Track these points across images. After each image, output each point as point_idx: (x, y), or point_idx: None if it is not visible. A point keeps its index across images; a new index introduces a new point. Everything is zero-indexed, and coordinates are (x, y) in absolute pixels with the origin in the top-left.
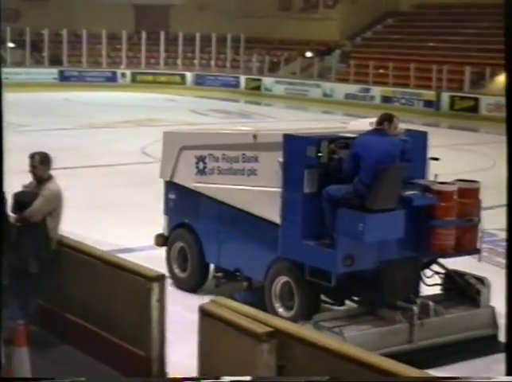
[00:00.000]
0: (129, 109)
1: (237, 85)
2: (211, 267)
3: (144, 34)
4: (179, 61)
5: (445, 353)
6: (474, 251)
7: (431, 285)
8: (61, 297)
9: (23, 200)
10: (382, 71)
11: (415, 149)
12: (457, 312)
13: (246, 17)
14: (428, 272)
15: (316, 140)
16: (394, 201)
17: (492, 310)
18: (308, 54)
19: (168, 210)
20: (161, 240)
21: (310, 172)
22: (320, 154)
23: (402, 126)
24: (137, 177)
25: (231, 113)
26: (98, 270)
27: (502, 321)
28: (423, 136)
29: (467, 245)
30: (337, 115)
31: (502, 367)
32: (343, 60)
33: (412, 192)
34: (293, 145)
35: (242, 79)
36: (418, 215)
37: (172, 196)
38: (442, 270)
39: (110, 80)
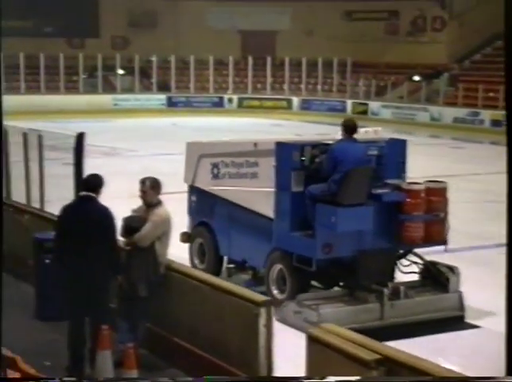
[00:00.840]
0: (236, 134)
1: (343, 109)
2: (225, 259)
3: (250, 60)
4: (285, 86)
5: (415, 329)
6: (442, 242)
7: (407, 272)
8: (169, 321)
9: (132, 224)
10: (491, 94)
11: (393, 154)
12: (428, 296)
13: (352, 42)
14: (406, 261)
15: (299, 146)
16: (363, 197)
17: (460, 295)
18: (416, 78)
19: (191, 211)
20: (185, 237)
21: (296, 173)
22: (303, 158)
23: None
24: None
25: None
26: (206, 295)
27: (469, 304)
28: (402, 143)
29: (435, 237)
30: (445, 140)
31: (465, 341)
32: (451, 84)
33: (383, 190)
34: (283, 151)
35: (349, 103)
36: (389, 210)
37: (193, 198)
38: (418, 260)
39: (217, 106)
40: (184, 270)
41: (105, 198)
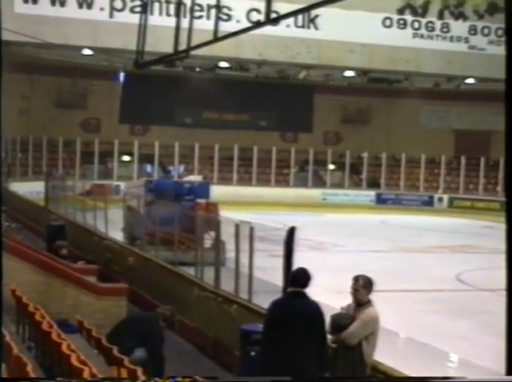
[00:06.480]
0: (445, 234)
1: None
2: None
3: (463, 159)
4: (498, 188)
5: None
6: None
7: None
8: None
9: (341, 322)
10: None
11: (201, 188)
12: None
13: None
14: None
15: (149, 181)
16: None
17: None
18: None
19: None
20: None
21: (149, 193)
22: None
23: None
24: (450, 304)
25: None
26: None
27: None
28: (206, 184)
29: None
30: None
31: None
32: None
33: (186, 202)
34: (146, 183)
35: None
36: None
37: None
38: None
39: (427, 204)
40: (390, 372)
41: (312, 293)
